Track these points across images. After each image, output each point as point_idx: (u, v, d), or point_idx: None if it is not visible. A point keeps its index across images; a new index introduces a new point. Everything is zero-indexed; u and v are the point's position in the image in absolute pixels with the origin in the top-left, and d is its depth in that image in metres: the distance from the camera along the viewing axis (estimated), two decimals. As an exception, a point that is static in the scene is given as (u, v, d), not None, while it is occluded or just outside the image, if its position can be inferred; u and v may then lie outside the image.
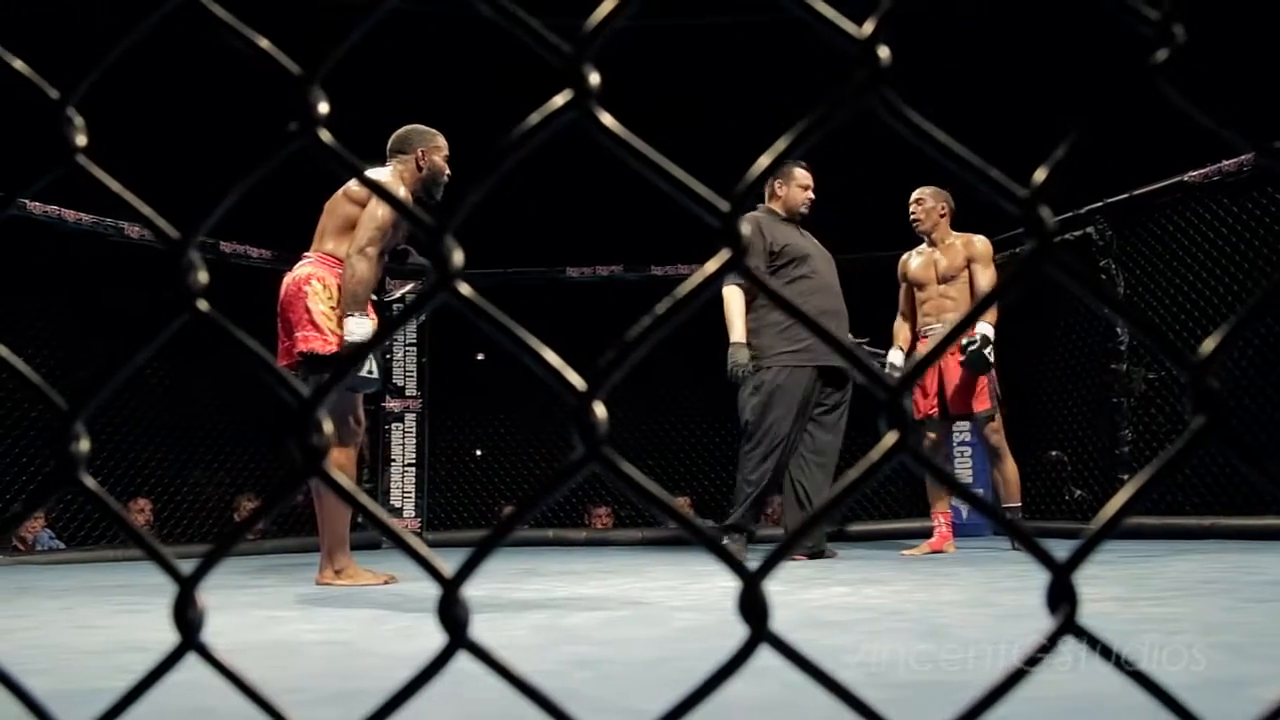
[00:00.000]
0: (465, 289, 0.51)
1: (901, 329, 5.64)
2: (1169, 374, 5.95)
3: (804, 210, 5.33)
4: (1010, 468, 5.42)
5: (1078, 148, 0.49)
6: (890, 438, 0.47)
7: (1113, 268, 6.19)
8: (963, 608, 2.80)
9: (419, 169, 4.17)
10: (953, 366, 5.33)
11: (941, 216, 5.48)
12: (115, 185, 0.58)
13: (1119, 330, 6.14)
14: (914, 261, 5.60)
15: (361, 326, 3.87)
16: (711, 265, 0.48)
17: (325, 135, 0.53)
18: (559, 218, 8.04)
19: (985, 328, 5.23)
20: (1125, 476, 6.00)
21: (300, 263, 4.09)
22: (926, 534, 5.62)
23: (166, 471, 6.79)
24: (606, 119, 0.49)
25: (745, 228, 0.48)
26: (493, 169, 0.50)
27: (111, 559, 5.99)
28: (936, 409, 5.45)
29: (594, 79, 0.49)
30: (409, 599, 3.39)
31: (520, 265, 7.58)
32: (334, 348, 3.89)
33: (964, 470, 7.22)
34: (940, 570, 4.19)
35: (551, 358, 0.49)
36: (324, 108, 0.53)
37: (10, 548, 6.01)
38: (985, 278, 5.41)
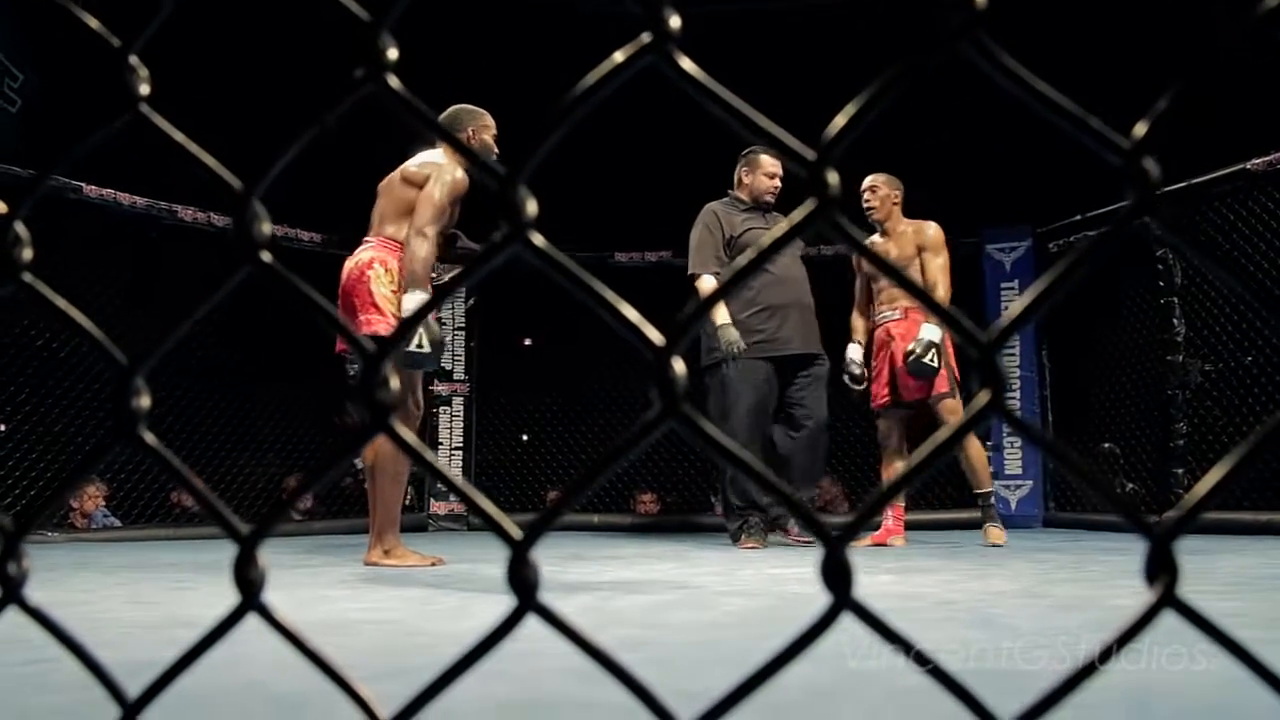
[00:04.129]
0: (538, 239, 0.49)
1: (858, 322, 5.56)
2: (1226, 366, 5.84)
3: (769, 198, 5.35)
4: (975, 449, 5.26)
5: (1182, 101, 0.46)
6: (983, 396, 0.45)
7: (1170, 257, 6.07)
8: (1015, 598, 2.75)
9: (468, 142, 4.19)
10: (902, 355, 5.21)
11: (895, 204, 5.36)
12: (179, 135, 0.57)
13: (1175, 321, 6.03)
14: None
15: (415, 304, 3.88)
16: (798, 214, 0.46)
17: (394, 81, 0.51)
18: (608, 203, 8.03)
19: (930, 331, 5.06)
20: (1179, 470, 5.89)
21: (361, 247, 4.12)
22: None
23: (215, 455, 6.85)
24: (686, 63, 0.47)
25: (833, 178, 0.46)
26: (566, 117, 0.48)
27: (164, 537, 6.07)
28: (888, 398, 5.31)
29: (675, 22, 0.47)
30: (457, 580, 3.40)
31: (568, 250, 7.56)
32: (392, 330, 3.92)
33: (1013, 459, 7.13)
34: (990, 560, 4.14)
35: (629, 312, 0.47)
36: (393, 54, 0.51)
37: (67, 525, 6.10)
38: (935, 265, 5.25)
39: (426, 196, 3.99)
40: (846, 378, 5.44)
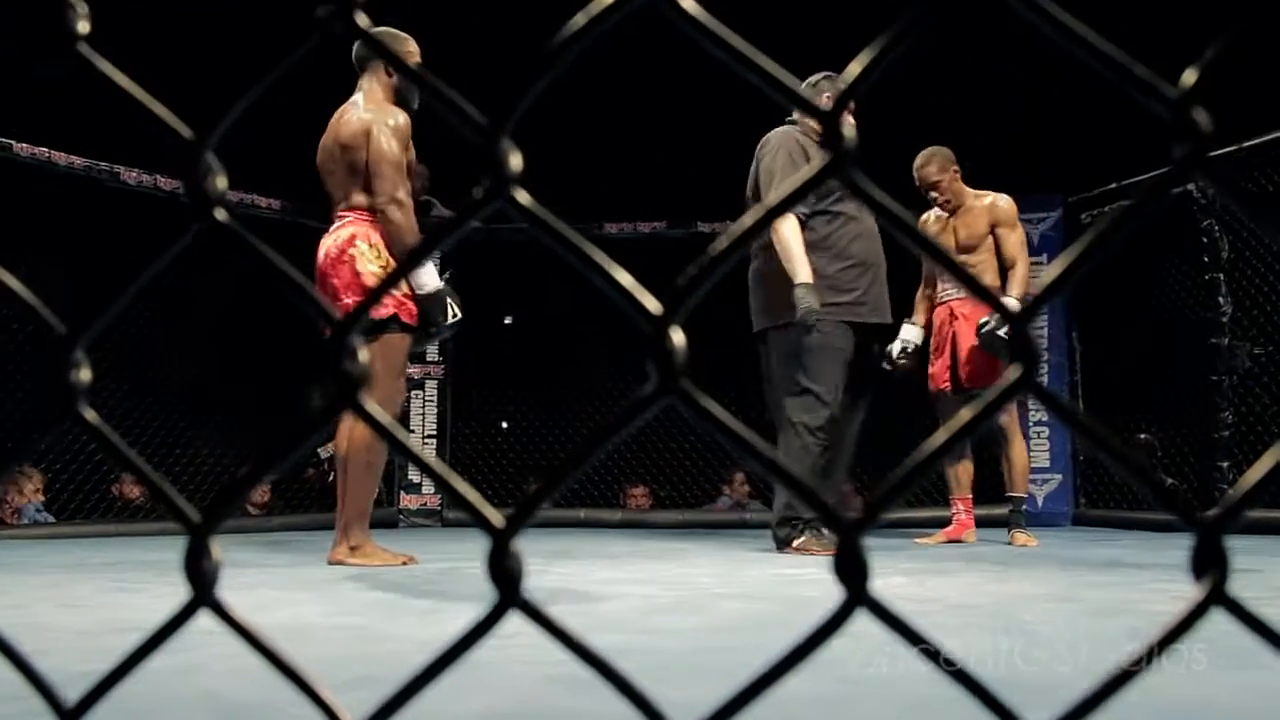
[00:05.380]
0: (523, 196, 0.49)
1: (922, 300, 5.55)
2: (1277, 349, 5.85)
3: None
4: (1019, 452, 5.35)
5: (1233, 48, 0.46)
6: (1013, 371, 0.45)
7: (1215, 229, 6.06)
8: (1044, 602, 2.77)
9: (388, 74, 4.14)
10: (966, 335, 5.22)
11: (956, 181, 5.38)
12: (122, 79, 0.56)
13: (1221, 299, 6.02)
14: (932, 228, 5.46)
15: (431, 276, 3.96)
16: (812, 168, 0.46)
17: (363, 20, 0.50)
18: (597, 171, 8.01)
19: (1010, 302, 5.10)
20: (1225, 464, 5.91)
21: (337, 223, 4.07)
22: (943, 523, 5.54)
23: (164, 442, 6.83)
24: (688, 3, 0.47)
25: (849, 130, 0.46)
26: (554, 63, 0.48)
27: (102, 534, 6.05)
28: (949, 382, 5.33)
29: (674, -42, 0.47)
30: (429, 580, 3.41)
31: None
32: (390, 310, 3.92)
33: (1040, 451, 7.13)
34: (1015, 561, 4.15)
35: (623, 277, 0.47)
36: (363, -11, 0.51)
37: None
38: (1013, 241, 5.33)
39: (379, 157, 3.95)
40: (886, 361, 5.28)
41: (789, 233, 4.67)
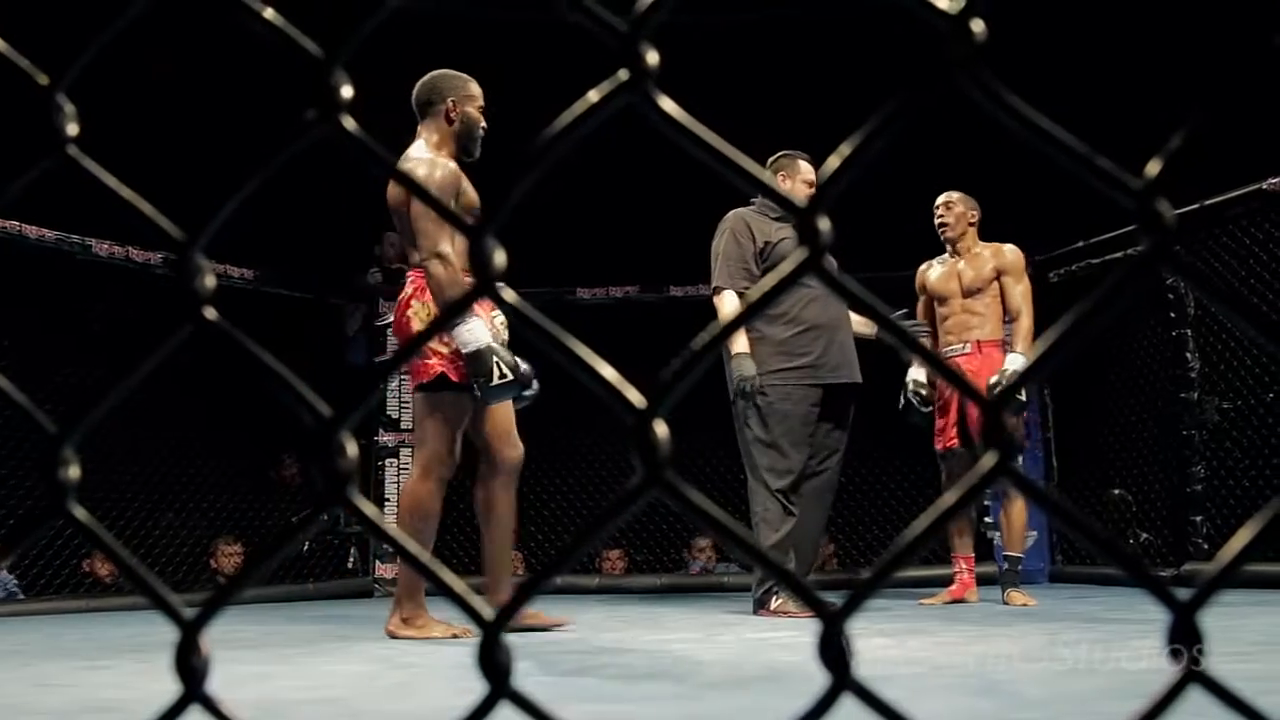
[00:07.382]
0: (509, 294, 0.50)
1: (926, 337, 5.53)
2: (1245, 403, 5.90)
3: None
4: (1018, 512, 5.34)
5: (1197, 137, 0.48)
6: (989, 459, 0.46)
7: (1182, 287, 6.13)
8: (1022, 662, 2.77)
9: (449, 122, 4.00)
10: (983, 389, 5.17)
11: (970, 225, 5.38)
12: (111, 180, 0.57)
13: (1189, 355, 6.08)
14: (934, 272, 5.46)
15: (474, 332, 3.75)
16: (788, 265, 0.48)
17: (350, 122, 0.52)
18: (569, 236, 8.06)
19: (1017, 360, 5.00)
20: (1197, 517, 5.94)
21: (405, 282, 4.04)
22: (946, 581, 5.50)
23: (136, 514, 6.75)
24: (667, 104, 0.48)
25: (824, 224, 0.48)
26: (539, 159, 0.49)
27: (73, 610, 5.96)
28: (956, 439, 5.27)
29: (652, 58, 0.48)
30: (401, 652, 3.38)
31: (527, 286, 7.58)
32: (438, 370, 3.85)
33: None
34: (993, 620, 4.15)
35: (607, 371, 0.48)
36: (348, 92, 0.52)
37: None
38: (1018, 292, 5.29)
39: (418, 214, 3.82)
40: (915, 399, 5.29)
41: (723, 307, 4.89)
